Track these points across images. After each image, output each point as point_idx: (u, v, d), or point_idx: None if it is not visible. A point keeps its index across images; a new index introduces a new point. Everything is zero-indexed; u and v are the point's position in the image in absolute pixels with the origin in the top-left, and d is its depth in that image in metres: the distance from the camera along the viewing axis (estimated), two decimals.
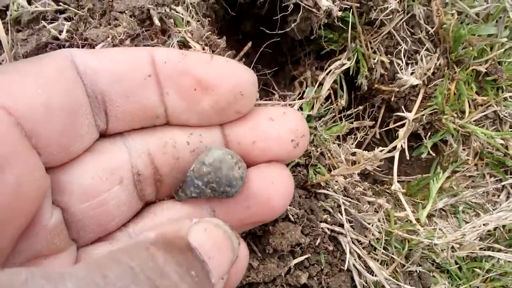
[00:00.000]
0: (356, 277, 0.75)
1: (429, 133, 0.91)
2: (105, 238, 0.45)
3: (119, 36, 0.69)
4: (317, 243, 0.73)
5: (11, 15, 0.74)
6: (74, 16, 0.73)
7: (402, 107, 0.90)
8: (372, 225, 0.77)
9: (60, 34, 0.71)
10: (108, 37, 0.70)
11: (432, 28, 0.88)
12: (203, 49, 0.75)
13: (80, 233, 0.43)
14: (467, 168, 0.91)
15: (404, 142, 0.83)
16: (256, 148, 0.46)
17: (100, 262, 0.30)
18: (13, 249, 0.36)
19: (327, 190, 0.76)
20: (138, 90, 0.43)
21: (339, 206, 0.76)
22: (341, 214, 0.75)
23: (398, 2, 0.84)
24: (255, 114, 0.47)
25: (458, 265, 0.82)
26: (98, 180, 0.42)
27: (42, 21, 0.73)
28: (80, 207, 0.41)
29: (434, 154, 0.92)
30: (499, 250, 0.83)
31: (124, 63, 0.42)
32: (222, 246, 0.38)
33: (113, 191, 0.43)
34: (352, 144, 0.83)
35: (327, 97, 0.92)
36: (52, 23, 0.74)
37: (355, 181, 0.82)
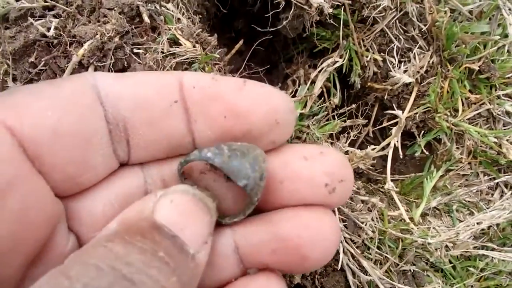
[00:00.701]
0: (350, 277, 0.74)
1: (423, 132, 0.91)
2: None
3: (108, 33, 0.68)
4: None
5: None
6: (63, 13, 0.72)
7: (395, 105, 0.89)
8: (366, 224, 0.77)
9: (48, 31, 0.70)
10: (97, 34, 0.68)
11: (425, 25, 0.88)
12: (194, 46, 0.74)
13: None
14: (460, 167, 0.91)
15: (397, 141, 0.82)
16: (284, 189, 0.40)
17: (62, 267, 0.29)
18: (24, 276, 0.35)
19: None
20: (163, 117, 0.39)
21: None
22: (334, 214, 0.74)
23: None
24: (288, 150, 0.42)
25: (452, 264, 0.81)
26: (110, 208, 0.39)
27: (30, 18, 0.72)
28: (91, 236, 0.39)
29: (427, 153, 0.92)
30: (493, 249, 0.82)
31: (148, 88, 0.39)
32: (194, 211, 0.35)
33: None
34: (345, 142, 0.83)
35: (320, 95, 0.92)
36: (40, 20, 0.72)
37: None
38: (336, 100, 0.86)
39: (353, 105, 0.90)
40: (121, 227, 0.33)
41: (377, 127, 0.95)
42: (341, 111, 0.89)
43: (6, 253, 0.32)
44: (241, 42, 0.81)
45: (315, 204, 0.40)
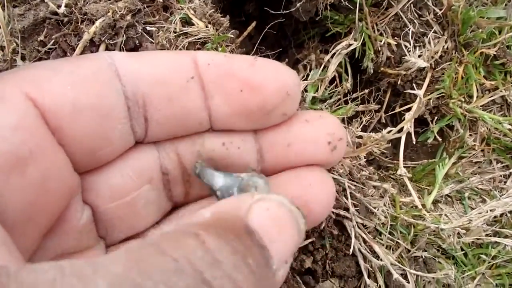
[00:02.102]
0: (361, 262, 0.73)
1: (436, 118, 0.90)
2: (136, 236, 0.44)
3: (120, 11, 0.67)
4: (321, 227, 0.72)
5: None
6: None
7: (408, 90, 0.88)
8: (378, 210, 0.76)
9: (58, 9, 0.68)
10: (108, 12, 0.67)
11: (440, 10, 0.86)
12: (206, 27, 0.73)
13: (108, 231, 0.42)
14: (473, 154, 0.90)
15: (410, 126, 0.81)
16: (291, 151, 0.43)
17: (140, 255, 0.27)
18: (39, 247, 0.35)
19: (332, 173, 0.74)
20: (181, 93, 0.41)
21: (344, 189, 0.74)
22: (346, 198, 0.73)
23: None
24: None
25: (463, 251, 0.81)
26: (127, 179, 0.41)
27: None
28: (109, 206, 0.40)
29: (440, 139, 0.90)
30: (506, 236, 0.81)
31: (165, 66, 0.41)
32: (286, 227, 0.34)
33: (142, 190, 0.42)
34: (357, 127, 0.81)
35: (332, 81, 0.91)
36: None
37: (360, 165, 0.80)
38: (348, 85, 0.85)
39: (365, 90, 0.89)
40: (215, 217, 0.32)
41: (389, 113, 0.93)
42: (353, 96, 0.87)
43: (24, 223, 0.32)
44: (253, 24, 0.80)
45: (318, 163, 0.44)
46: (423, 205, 0.82)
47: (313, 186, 0.42)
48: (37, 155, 0.32)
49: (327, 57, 0.86)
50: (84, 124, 0.36)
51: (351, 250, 0.73)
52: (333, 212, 0.73)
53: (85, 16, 0.67)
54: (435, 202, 0.86)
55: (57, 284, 0.23)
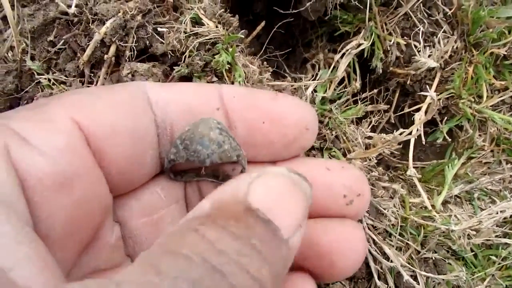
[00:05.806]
0: (371, 263, 0.73)
1: (445, 118, 0.89)
2: None
3: (130, 12, 0.67)
4: None
5: None
6: None
7: (418, 91, 0.88)
8: (388, 211, 0.75)
9: (68, 9, 0.68)
10: (119, 12, 0.67)
11: (450, 9, 0.86)
12: (216, 27, 0.72)
13: (135, 249, 0.43)
14: (483, 155, 0.89)
15: (420, 126, 0.80)
16: None
17: (152, 258, 0.28)
18: (75, 263, 0.37)
19: None
20: None
21: None
22: None
23: None
24: (312, 161, 0.47)
25: (473, 253, 0.80)
26: (157, 197, 0.43)
27: None
28: (138, 222, 0.42)
29: (449, 140, 0.90)
30: None
31: (193, 96, 0.43)
32: (289, 194, 0.34)
33: (170, 209, 0.44)
34: (367, 128, 0.81)
35: (340, 81, 0.90)
36: None
37: (369, 165, 0.79)
38: (358, 84, 0.85)
39: (374, 90, 0.88)
40: (214, 209, 0.33)
41: (398, 113, 0.93)
42: (362, 96, 0.87)
43: (66, 238, 0.34)
44: (263, 23, 0.79)
45: (332, 216, 0.44)
46: (433, 206, 0.82)
47: (341, 239, 0.42)
48: (81, 175, 0.34)
49: (336, 57, 0.85)
50: (121, 146, 0.38)
51: None
52: None
53: (96, 17, 0.67)
54: (444, 203, 0.86)
55: None
